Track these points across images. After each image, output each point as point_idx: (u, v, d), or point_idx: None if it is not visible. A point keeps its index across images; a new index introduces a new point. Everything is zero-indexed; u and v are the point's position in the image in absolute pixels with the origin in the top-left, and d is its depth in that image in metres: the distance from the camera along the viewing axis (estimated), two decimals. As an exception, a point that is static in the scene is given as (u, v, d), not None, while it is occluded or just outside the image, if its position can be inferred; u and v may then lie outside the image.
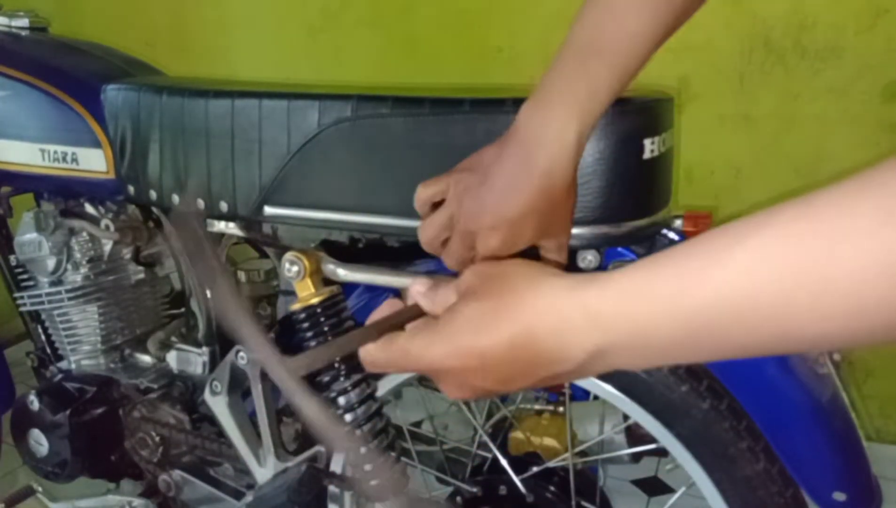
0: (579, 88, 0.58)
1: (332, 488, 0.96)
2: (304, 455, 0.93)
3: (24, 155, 1.01)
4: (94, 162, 0.97)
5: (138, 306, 1.12)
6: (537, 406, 1.19)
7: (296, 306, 0.81)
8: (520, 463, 1.03)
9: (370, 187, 0.78)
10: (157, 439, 1.03)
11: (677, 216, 0.76)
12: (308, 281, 0.80)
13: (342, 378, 0.80)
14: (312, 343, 0.81)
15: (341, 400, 0.82)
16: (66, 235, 1.05)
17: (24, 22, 1.10)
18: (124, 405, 1.06)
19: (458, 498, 1.03)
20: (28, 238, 1.04)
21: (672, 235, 0.76)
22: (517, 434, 1.12)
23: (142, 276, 1.11)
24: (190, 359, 1.02)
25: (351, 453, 0.53)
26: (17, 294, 1.11)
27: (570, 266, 0.73)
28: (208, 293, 1.01)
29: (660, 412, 0.77)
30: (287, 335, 0.95)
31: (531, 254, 0.63)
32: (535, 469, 1.01)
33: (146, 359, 1.10)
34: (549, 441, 1.11)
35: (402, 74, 1.88)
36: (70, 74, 1.01)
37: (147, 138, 0.91)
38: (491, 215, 0.60)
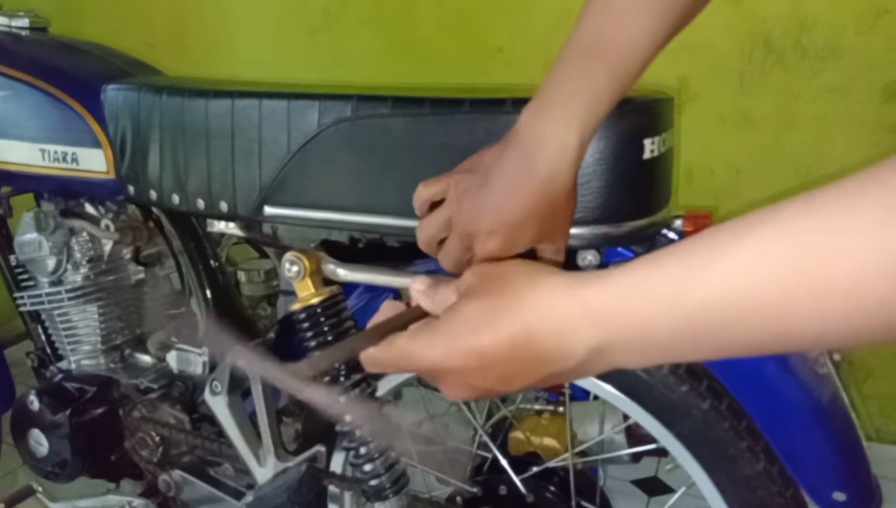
0: (582, 93, 0.57)
1: (332, 488, 0.96)
2: (304, 455, 0.93)
3: (25, 155, 1.01)
4: (94, 162, 0.97)
5: (138, 306, 1.12)
6: (537, 406, 1.19)
7: (296, 306, 0.81)
8: (520, 463, 1.03)
9: (370, 187, 0.78)
10: (157, 439, 1.03)
11: (677, 216, 0.76)
12: (308, 281, 0.80)
13: (342, 379, 0.81)
14: (313, 343, 0.81)
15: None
16: (66, 235, 1.05)
17: (24, 22, 1.10)
18: (124, 405, 1.06)
19: (458, 498, 1.03)
20: (28, 238, 1.04)
21: (672, 235, 0.76)
22: (517, 434, 1.12)
23: (142, 276, 1.11)
24: (190, 359, 1.02)
25: (367, 420, 0.52)
26: (17, 294, 1.11)
27: (570, 266, 0.73)
28: (208, 293, 1.01)
29: (660, 412, 0.77)
30: (287, 335, 0.95)
31: (529, 255, 0.63)
32: (535, 469, 1.01)
33: (146, 359, 1.10)
34: (549, 441, 1.11)
35: (402, 74, 1.88)
36: (70, 74, 1.01)
37: (147, 138, 0.91)
38: (490, 219, 0.60)
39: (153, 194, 0.93)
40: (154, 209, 1.02)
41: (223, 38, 2.08)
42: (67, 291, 1.05)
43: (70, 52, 1.08)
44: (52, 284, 1.07)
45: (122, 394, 1.07)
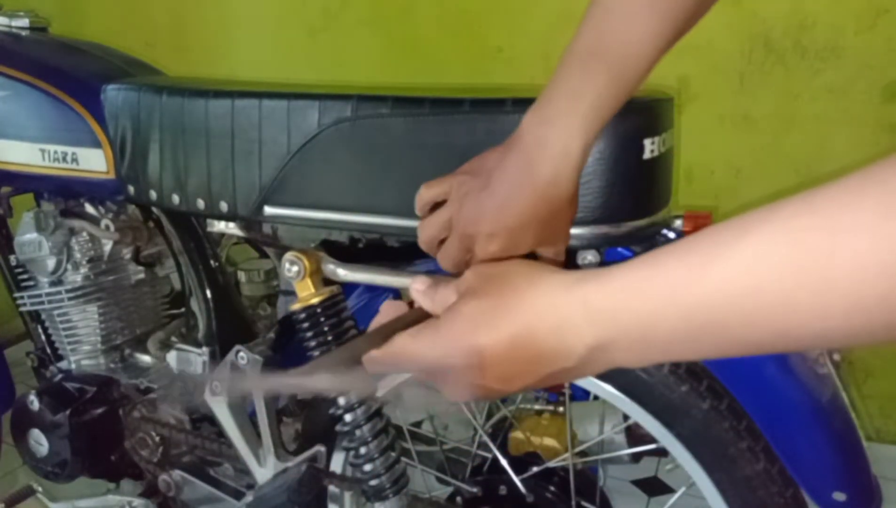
0: (586, 97, 0.57)
1: (332, 488, 0.96)
2: (304, 455, 0.93)
3: (25, 155, 1.01)
4: (94, 162, 0.97)
5: (138, 306, 1.12)
6: (537, 406, 1.19)
7: (296, 306, 0.81)
8: (520, 463, 1.03)
9: (370, 187, 0.78)
10: (157, 439, 1.03)
11: (677, 216, 0.76)
12: (308, 281, 0.80)
13: (342, 378, 0.80)
14: (313, 343, 0.81)
15: (341, 400, 0.82)
16: (66, 235, 1.05)
17: (25, 22, 1.10)
18: (124, 405, 1.06)
19: (458, 498, 1.03)
20: (28, 238, 1.04)
21: (672, 235, 0.76)
22: (517, 434, 1.12)
23: (142, 276, 1.11)
24: (190, 359, 1.02)
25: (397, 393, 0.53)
26: (17, 294, 1.11)
27: (570, 266, 0.73)
28: (208, 293, 1.01)
29: (660, 412, 0.77)
30: (287, 335, 0.95)
31: (529, 255, 0.63)
32: (535, 469, 1.01)
33: (146, 359, 1.10)
34: (549, 441, 1.11)
35: (402, 74, 1.88)
36: (70, 74, 1.01)
37: (147, 138, 0.91)
38: (490, 221, 0.60)
39: (153, 194, 0.93)
40: (154, 209, 1.02)
41: (223, 38, 2.08)
42: (67, 291, 1.05)
43: (70, 52, 1.08)
44: (52, 284, 1.07)
45: (122, 394, 1.07)
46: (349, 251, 0.86)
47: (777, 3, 1.52)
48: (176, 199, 0.91)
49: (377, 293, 0.88)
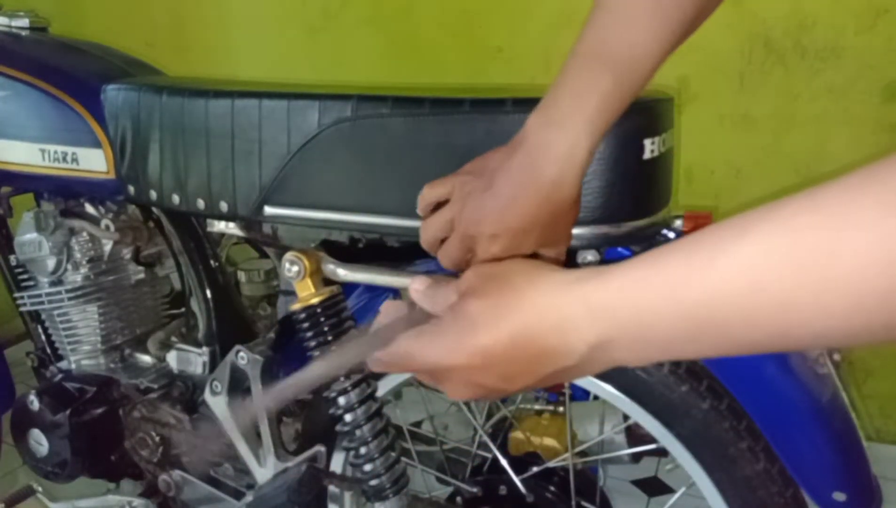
0: (590, 102, 0.57)
1: (332, 488, 0.96)
2: (304, 455, 0.93)
3: (25, 155, 1.01)
4: (94, 162, 0.97)
5: (138, 306, 1.12)
6: (537, 406, 1.19)
7: (296, 306, 0.81)
8: (520, 463, 1.03)
9: (370, 187, 0.78)
10: (157, 439, 1.03)
11: (677, 216, 0.76)
12: (308, 281, 0.80)
13: (342, 379, 0.81)
14: (313, 343, 0.81)
15: (341, 400, 0.82)
16: (66, 235, 1.05)
17: (24, 22, 1.10)
18: (124, 405, 1.06)
19: (458, 498, 1.03)
20: (28, 238, 1.04)
21: (672, 235, 0.76)
22: (517, 434, 1.12)
23: (142, 276, 1.11)
24: (190, 359, 1.02)
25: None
26: (17, 294, 1.11)
27: (570, 266, 0.73)
28: (208, 293, 1.01)
29: (660, 412, 0.77)
30: (287, 335, 0.95)
31: (529, 254, 0.63)
32: (535, 469, 1.01)
33: (146, 359, 1.10)
34: (549, 441, 1.11)
35: (402, 74, 1.88)
36: (70, 74, 1.01)
37: (147, 138, 0.91)
38: (492, 223, 0.60)
39: (153, 194, 0.93)
40: (154, 209, 1.02)
41: (223, 38, 2.08)
42: (67, 291, 1.05)
43: (70, 52, 1.08)
44: (52, 284, 1.07)
45: (122, 394, 1.07)
46: (349, 251, 0.86)
47: (777, 3, 1.52)
48: (176, 199, 0.91)
49: (377, 293, 0.88)
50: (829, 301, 0.32)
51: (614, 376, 0.78)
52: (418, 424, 1.24)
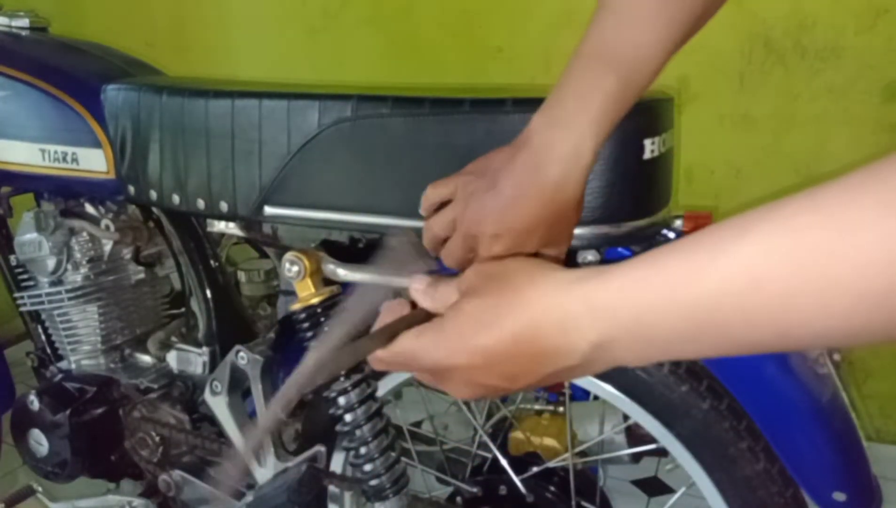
0: (594, 102, 0.57)
1: (332, 488, 0.96)
2: (304, 455, 0.93)
3: (25, 155, 1.01)
4: (94, 162, 0.97)
5: (138, 306, 1.12)
6: (537, 406, 1.19)
7: (296, 306, 0.81)
8: (520, 463, 1.03)
9: (370, 187, 0.78)
10: (157, 439, 1.03)
11: (677, 216, 0.76)
12: (308, 281, 0.80)
13: (342, 378, 0.81)
14: (313, 343, 0.81)
15: (341, 400, 0.82)
16: (66, 235, 1.05)
17: (25, 22, 1.10)
18: (124, 405, 1.06)
19: (458, 498, 1.03)
20: (28, 238, 1.04)
21: (672, 235, 0.76)
22: (517, 434, 1.12)
23: (142, 276, 1.11)
24: (190, 359, 1.02)
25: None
26: (17, 294, 1.11)
27: (570, 266, 0.73)
28: (208, 293, 1.01)
29: (660, 412, 0.77)
30: (287, 335, 0.95)
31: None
32: (535, 469, 1.01)
33: (146, 359, 1.10)
34: (549, 441, 1.11)
35: (402, 74, 1.88)
36: (70, 74, 1.01)
37: (147, 138, 0.91)
38: (494, 223, 0.60)
39: (153, 194, 0.93)
40: (154, 209, 1.02)
41: (223, 38, 2.08)
42: (67, 291, 1.05)
43: (70, 52, 1.08)
44: (52, 284, 1.07)
45: (122, 394, 1.07)
46: (349, 251, 0.86)
47: (777, 3, 1.52)
48: (176, 199, 0.91)
49: (377, 293, 0.88)
50: (829, 301, 0.32)
51: (614, 376, 0.78)
52: (418, 424, 1.24)
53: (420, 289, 0.51)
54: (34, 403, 1.04)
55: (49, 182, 1.01)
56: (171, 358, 1.04)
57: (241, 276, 1.11)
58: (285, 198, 0.83)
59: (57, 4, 1.98)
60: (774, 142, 1.58)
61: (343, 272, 0.82)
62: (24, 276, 1.11)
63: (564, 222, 0.61)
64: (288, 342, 0.95)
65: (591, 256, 0.74)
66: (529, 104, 0.67)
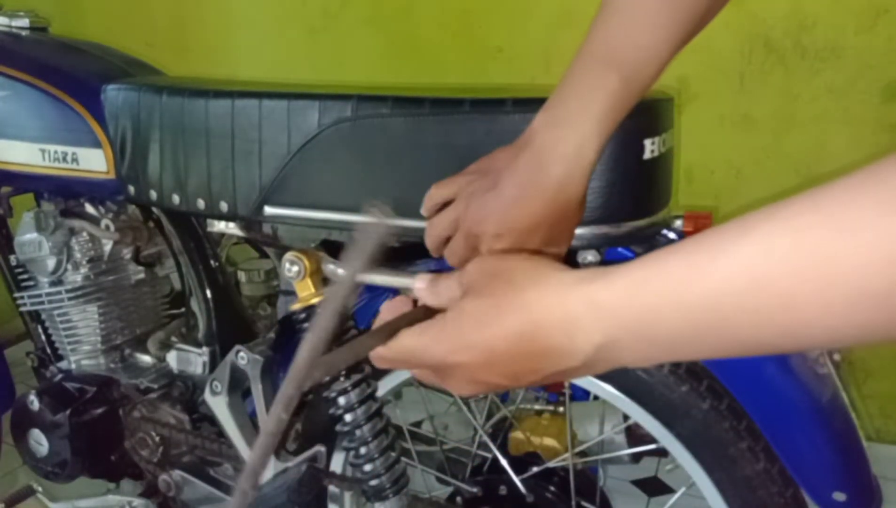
0: (598, 102, 0.57)
1: (332, 488, 0.96)
2: (304, 455, 0.93)
3: (25, 155, 1.01)
4: (94, 162, 0.97)
5: (138, 306, 1.12)
6: (537, 406, 1.19)
7: (296, 306, 0.81)
8: (520, 463, 1.03)
9: (370, 187, 0.78)
10: (157, 439, 1.03)
11: (677, 216, 0.76)
12: (308, 281, 0.80)
13: (342, 378, 0.81)
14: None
15: (341, 400, 0.82)
16: (66, 235, 1.05)
17: (25, 22, 1.10)
18: (124, 405, 1.06)
19: (458, 498, 1.03)
20: (28, 238, 1.04)
21: (672, 235, 0.76)
22: (517, 434, 1.12)
23: (142, 276, 1.11)
24: (190, 359, 1.02)
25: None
26: (17, 294, 1.11)
27: (570, 266, 0.73)
28: (208, 293, 1.01)
29: (660, 412, 0.77)
30: (287, 335, 0.95)
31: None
32: (535, 469, 1.01)
33: (146, 359, 1.10)
34: (549, 441, 1.11)
35: (403, 74, 1.88)
36: (70, 74, 1.01)
37: (147, 138, 0.91)
38: (496, 223, 0.60)
39: (153, 194, 0.93)
40: (154, 209, 1.02)
41: (223, 38, 2.08)
42: (67, 291, 1.05)
43: (70, 52, 1.08)
44: (52, 284, 1.07)
45: (122, 394, 1.07)
46: (349, 251, 0.85)
47: (777, 3, 1.52)
48: (176, 199, 0.91)
49: (377, 293, 0.88)
50: (829, 301, 0.32)
51: (614, 376, 0.78)
52: (418, 424, 1.24)
53: (423, 289, 0.51)
54: (34, 403, 1.04)
55: (49, 182, 1.01)
56: (171, 358, 1.04)
57: (241, 276, 1.11)
58: (285, 198, 0.83)
59: (57, 4, 1.98)
60: (774, 142, 1.58)
61: (343, 272, 0.82)
62: (24, 276, 1.11)
63: (566, 222, 0.61)
64: (288, 342, 0.95)
65: (591, 256, 0.74)
66: (529, 104, 0.67)
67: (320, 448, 0.94)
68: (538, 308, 0.42)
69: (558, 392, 1.18)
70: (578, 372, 0.43)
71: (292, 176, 0.81)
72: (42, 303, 1.07)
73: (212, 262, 1.03)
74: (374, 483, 0.84)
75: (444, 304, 0.48)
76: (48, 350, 1.13)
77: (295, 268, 0.80)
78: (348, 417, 0.82)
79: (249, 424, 0.95)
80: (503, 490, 1.02)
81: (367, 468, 0.83)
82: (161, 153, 0.90)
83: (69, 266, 1.06)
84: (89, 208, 1.06)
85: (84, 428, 1.04)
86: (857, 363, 1.63)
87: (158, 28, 2.13)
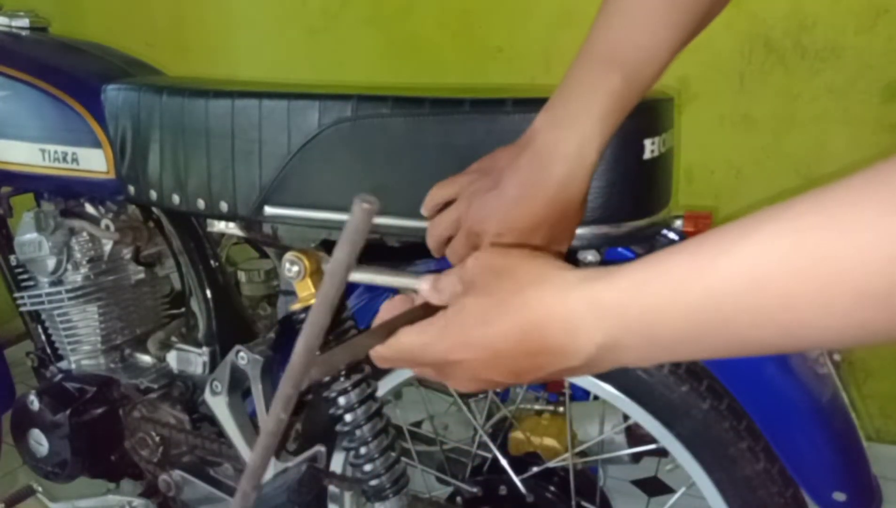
0: (599, 102, 0.57)
1: (332, 488, 0.96)
2: (304, 455, 0.93)
3: (25, 155, 1.01)
4: (94, 162, 0.97)
5: (138, 306, 1.12)
6: (537, 406, 1.19)
7: (296, 307, 0.81)
8: (520, 463, 1.03)
9: (370, 188, 0.78)
10: (157, 439, 1.03)
11: (677, 216, 0.76)
12: (308, 281, 0.80)
13: (342, 378, 0.81)
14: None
15: (341, 400, 0.82)
16: (66, 235, 1.05)
17: (25, 22, 1.10)
18: (124, 405, 1.06)
19: (458, 498, 1.03)
20: (28, 238, 1.04)
21: (672, 235, 0.76)
22: (517, 434, 1.12)
23: (142, 276, 1.11)
24: (190, 359, 1.02)
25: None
26: (17, 294, 1.11)
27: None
28: (208, 293, 1.01)
29: (660, 412, 0.77)
30: (287, 335, 0.95)
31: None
32: (535, 469, 1.01)
33: (146, 359, 1.10)
34: (549, 441, 1.11)
35: (402, 74, 1.88)
36: (70, 74, 1.01)
37: (147, 138, 0.91)
38: (498, 222, 0.60)
39: (153, 194, 0.93)
40: (154, 209, 1.02)
41: (223, 38, 2.08)
42: (67, 291, 1.05)
43: (70, 52, 1.08)
44: (52, 284, 1.07)
45: (122, 394, 1.07)
46: (349, 251, 0.85)
47: (777, 3, 1.52)
48: (176, 199, 0.91)
49: (377, 293, 0.88)
50: (829, 301, 0.32)
51: (614, 376, 0.78)
52: (418, 424, 1.24)
53: (426, 288, 0.51)
54: (34, 403, 1.04)
55: (49, 182, 1.01)
56: (171, 358, 1.04)
57: (241, 276, 1.11)
58: (285, 198, 0.83)
59: (57, 4, 1.98)
60: (774, 142, 1.58)
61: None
62: (24, 276, 1.11)
63: (568, 221, 0.61)
64: (288, 342, 0.95)
65: (591, 256, 0.74)
66: (530, 104, 0.67)
67: (320, 448, 0.94)
68: (540, 307, 0.42)
69: (558, 392, 1.18)
70: (580, 371, 0.43)
71: (292, 176, 0.81)
72: (42, 303, 1.07)
73: (212, 262, 1.03)
74: (374, 483, 0.84)
75: (445, 300, 0.48)
76: (48, 350, 1.13)
77: (295, 268, 0.80)
78: (348, 417, 0.82)
79: (249, 424, 0.95)
80: (503, 490, 1.02)
81: (367, 468, 0.83)
82: (161, 153, 0.90)
83: (69, 266, 1.06)
84: (89, 208, 1.06)
85: (84, 428, 1.04)
86: (857, 363, 1.63)
87: (158, 28, 2.13)
